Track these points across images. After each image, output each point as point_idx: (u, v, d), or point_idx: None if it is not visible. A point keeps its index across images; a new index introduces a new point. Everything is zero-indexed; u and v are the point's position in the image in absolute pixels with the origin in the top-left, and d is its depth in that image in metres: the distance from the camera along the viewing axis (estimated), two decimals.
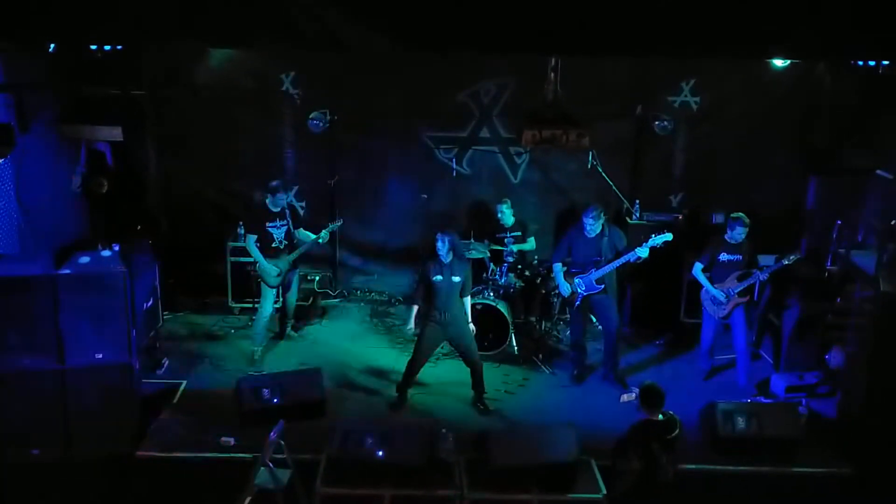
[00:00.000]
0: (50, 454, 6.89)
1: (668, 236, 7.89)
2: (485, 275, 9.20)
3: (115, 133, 8.43)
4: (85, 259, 7.08)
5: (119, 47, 7.97)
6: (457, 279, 7.61)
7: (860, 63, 8.19)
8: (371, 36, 7.06)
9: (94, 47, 7.91)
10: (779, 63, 8.85)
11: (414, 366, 7.89)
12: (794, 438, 7.15)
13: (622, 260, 8.02)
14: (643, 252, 7.90)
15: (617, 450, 5.60)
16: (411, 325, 7.81)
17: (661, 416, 5.52)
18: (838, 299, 8.42)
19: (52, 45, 7.78)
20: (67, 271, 6.81)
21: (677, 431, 5.49)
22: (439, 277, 7.60)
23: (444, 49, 7.65)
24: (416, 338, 7.90)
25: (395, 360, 8.86)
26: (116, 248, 7.92)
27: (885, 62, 7.94)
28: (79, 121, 8.42)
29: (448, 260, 7.59)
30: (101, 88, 8.43)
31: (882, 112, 8.62)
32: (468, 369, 7.92)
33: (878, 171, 8.22)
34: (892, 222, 7.81)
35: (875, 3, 6.94)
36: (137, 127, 9.31)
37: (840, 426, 7.53)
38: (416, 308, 7.76)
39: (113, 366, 6.95)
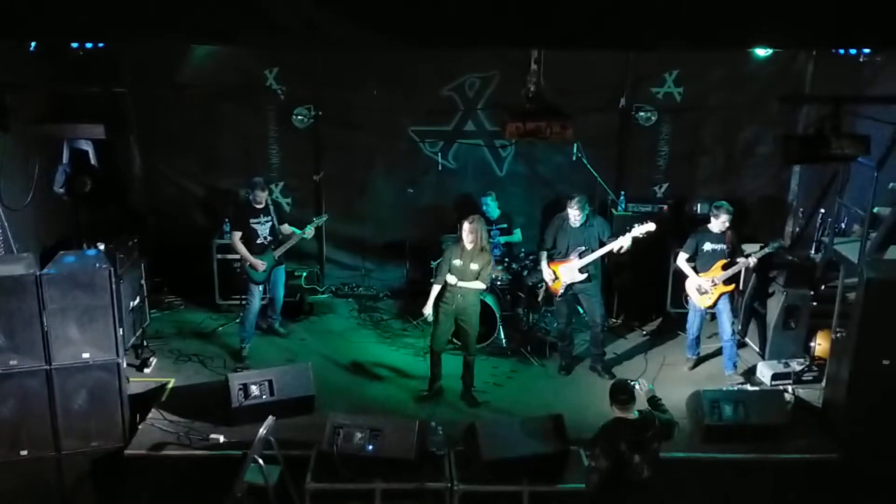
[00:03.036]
0: (38, 454, 6.86)
1: (651, 226, 7.95)
2: None
3: (98, 131, 8.36)
4: (70, 258, 7.05)
5: (101, 45, 7.92)
6: (475, 266, 7.63)
7: (841, 52, 8.25)
8: (356, 31, 7.03)
9: (75, 45, 7.86)
10: (761, 53, 8.90)
11: (434, 356, 7.95)
12: (781, 425, 7.21)
13: (605, 249, 8.08)
14: (626, 241, 7.96)
15: (588, 447, 5.62)
16: (429, 308, 7.74)
17: (636, 414, 5.46)
18: (822, 286, 8.50)
19: (33, 44, 7.72)
20: (52, 271, 6.79)
21: (652, 431, 5.46)
22: (458, 262, 7.64)
23: (428, 44, 7.63)
24: (431, 324, 7.92)
25: (384, 355, 8.89)
26: (101, 247, 7.91)
27: (866, 50, 8.00)
28: (61, 119, 8.37)
29: (470, 247, 7.61)
30: (82, 87, 8.38)
31: (863, 99, 8.69)
32: (458, 361, 8.00)
33: (859, 159, 8.27)
34: (875, 209, 7.88)
35: None
36: (120, 125, 9.27)
37: (826, 412, 7.60)
38: (436, 289, 7.71)
39: (100, 365, 6.93)
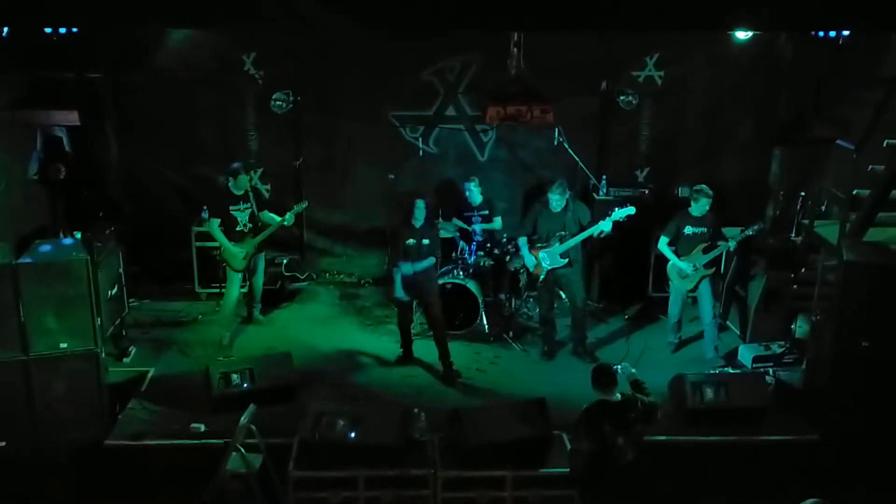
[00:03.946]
0: (17, 445, 6.78)
1: (631, 210, 7.98)
2: (454, 254, 9.20)
3: (72, 117, 8.25)
4: (46, 247, 6.95)
5: (75, 30, 7.79)
6: (426, 241, 7.87)
7: (821, 34, 8.26)
8: (333, 14, 6.96)
9: (48, 30, 7.71)
10: (741, 36, 8.90)
11: (401, 320, 8.26)
12: (762, 407, 7.25)
13: (585, 234, 8.09)
14: (606, 226, 7.99)
15: (571, 430, 5.63)
16: (400, 291, 7.94)
17: (618, 396, 5.48)
18: (803, 269, 8.54)
19: (6, 30, 7.57)
20: (28, 260, 6.68)
21: (635, 413, 5.46)
22: (412, 241, 7.82)
23: (406, 26, 7.58)
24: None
25: (365, 341, 8.85)
26: (78, 236, 7.81)
27: (845, 32, 8.01)
28: (33, 106, 8.24)
29: (420, 224, 7.83)
30: (56, 72, 8.24)
31: (842, 82, 8.71)
32: (433, 346, 8.11)
33: (839, 142, 8.31)
34: (854, 192, 7.91)
35: None
36: (96, 111, 9.13)
37: (806, 394, 7.65)
38: (400, 272, 7.91)
39: (78, 355, 6.85)
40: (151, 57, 9.36)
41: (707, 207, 8.10)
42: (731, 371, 8.04)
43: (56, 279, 6.69)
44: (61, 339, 6.78)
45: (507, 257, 9.30)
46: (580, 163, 9.49)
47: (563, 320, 8.91)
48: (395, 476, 6.37)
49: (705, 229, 8.19)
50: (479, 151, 10.22)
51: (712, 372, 7.83)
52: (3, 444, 6.75)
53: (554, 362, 8.51)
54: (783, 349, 8.31)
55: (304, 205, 8.95)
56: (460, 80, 9.92)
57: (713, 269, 8.32)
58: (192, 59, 9.46)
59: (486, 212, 9.44)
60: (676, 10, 6.78)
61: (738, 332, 8.99)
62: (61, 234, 7.97)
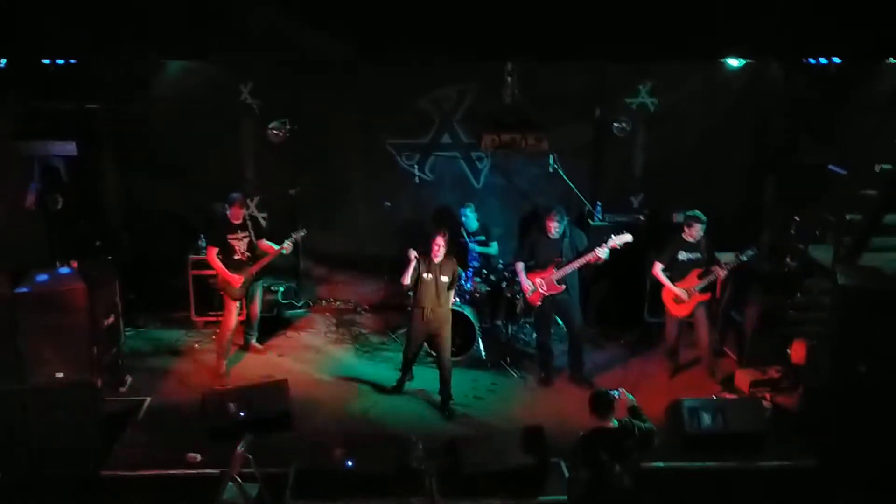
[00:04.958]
0: (14, 476, 6.76)
1: (628, 237, 7.98)
2: None
3: (69, 148, 8.31)
4: (43, 277, 6.95)
5: (73, 61, 7.86)
6: (445, 278, 7.83)
7: (812, 61, 8.36)
8: (329, 43, 7.05)
9: (46, 61, 7.78)
10: (733, 63, 8.99)
11: (408, 353, 8.17)
12: (759, 432, 7.24)
13: (582, 260, 8.10)
14: (603, 253, 7.99)
15: (569, 458, 5.61)
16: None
17: (615, 423, 5.47)
18: (798, 294, 8.57)
19: (4, 61, 7.64)
20: (25, 290, 6.69)
21: (632, 440, 5.46)
22: (428, 275, 7.78)
23: (401, 56, 7.66)
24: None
25: (362, 369, 8.84)
26: (75, 265, 7.82)
27: (837, 60, 8.11)
28: (31, 137, 8.28)
29: (439, 260, 7.78)
30: (54, 103, 8.30)
31: (834, 108, 8.79)
32: (437, 375, 8.06)
33: (831, 167, 8.37)
34: (847, 216, 7.96)
35: (825, 3, 7.08)
36: (94, 141, 9.18)
37: (803, 419, 7.64)
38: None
39: (75, 384, 6.83)
40: (149, 87, 9.42)
41: (701, 233, 8.14)
42: (729, 396, 8.03)
43: (53, 309, 6.70)
44: (58, 369, 6.77)
45: (504, 283, 9.32)
46: (575, 189, 9.54)
47: (560, 346, 8.91)
48: None
49: (699, 255, 8.21)
50: (474, 178, 10.27)
51: (709, 397, 7.82)
52: (0, 474, 6.72)
53: (551, 389, 8.50)
54: (780, 374, 8.30)
55: (302, 233, 8.98)
56: (456, 109, 9.99)
57: (709, 295, 8.33)
58: (189, 89, 9.50)
59: (483, 237, 9.48)
60: (669, 39, 6.87)
61: (735, 357, 8.98)
62: (58, 264, 7.96)
